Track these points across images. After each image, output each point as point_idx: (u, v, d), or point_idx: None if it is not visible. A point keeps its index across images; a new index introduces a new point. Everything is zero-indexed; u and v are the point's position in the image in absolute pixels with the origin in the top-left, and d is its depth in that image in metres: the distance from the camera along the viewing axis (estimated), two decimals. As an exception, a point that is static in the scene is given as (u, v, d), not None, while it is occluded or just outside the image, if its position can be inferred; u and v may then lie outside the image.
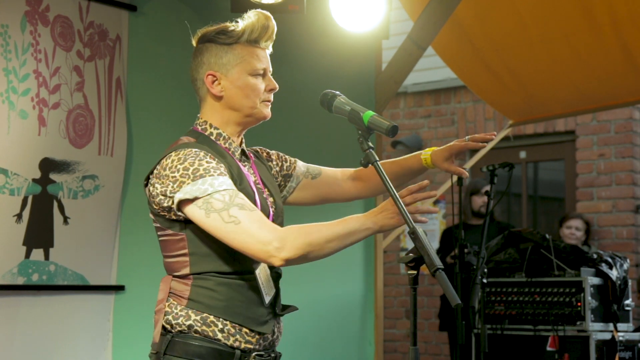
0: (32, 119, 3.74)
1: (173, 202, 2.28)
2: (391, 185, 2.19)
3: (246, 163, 2.51)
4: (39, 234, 3.76)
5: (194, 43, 2.48)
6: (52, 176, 3.81)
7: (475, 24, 5.55)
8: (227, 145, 2.45)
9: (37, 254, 3.76)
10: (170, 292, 2.36)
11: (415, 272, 2.13)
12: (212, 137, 2.44)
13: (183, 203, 2.27)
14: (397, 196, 2.18)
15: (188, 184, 2.26)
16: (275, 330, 2.43)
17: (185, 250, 2.35)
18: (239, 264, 2.34)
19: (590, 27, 5.30)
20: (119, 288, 4.06)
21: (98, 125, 3.99)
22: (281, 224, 2.47)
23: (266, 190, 2.50)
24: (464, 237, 4.74)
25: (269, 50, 2.50)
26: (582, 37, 5.38)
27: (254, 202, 2.36)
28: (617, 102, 6.03)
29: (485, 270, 4.55)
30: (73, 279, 3.88)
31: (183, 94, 4.38)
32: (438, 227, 8.26)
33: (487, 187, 6.51)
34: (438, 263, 2.08)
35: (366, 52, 5.27)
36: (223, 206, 2.24)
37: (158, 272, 4.22)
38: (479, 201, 6.60)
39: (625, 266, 5.08)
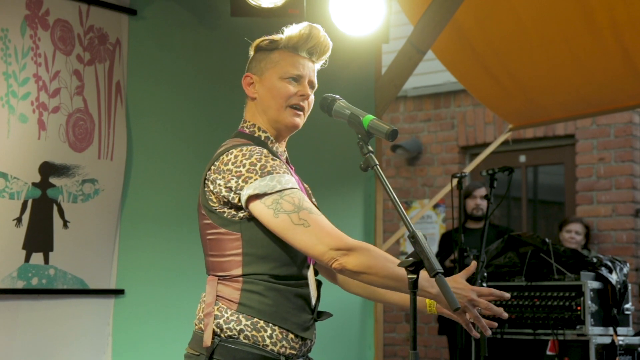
0: (32, 123, 3.74)
1: (240, 198, 2.29)
2: (392, 191, 2.19)
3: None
4: (38, 238, 3.76)
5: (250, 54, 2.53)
6: (52, 180, 3.81)
7: (475, 28, 5.55)
8: (275, 149, 2.45)
9: (37, 257, 3.75)
10: (218, 296, 2.35)
11: (415, 276, 2.13)
12: (262, 139, 2.45)
13: (251, 199, 2.28)
14: (398, 202, 2.18)
15: (256, 179, 2.27)
16: (314, 336, 2.44)
17: (240, 250, 2.34)
18: (290, 267, 2.35)
19: (590, 31, 5.30)
20: (119, 292, 4.05)
21: (98, 129, 3.99)
22: None
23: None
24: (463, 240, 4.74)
25: (317, 64, 2.52)
26: (582, 41, 5.38)
27: None
28: (617, 106, 6.02)
29: (485, 274, 4.54)
30: (73, 283, 3.88)
31: (183, 98, 4.39)
32: (438, 230, 8.26)
33: (480, 189, 6.52)
34: (438, 267, 2.09)
35: (366, 56, 5.27)
36: (293, 208, 2.26)
37: (157, 275, 4.26)
38: (471, 203, 6.58)
39: (625, 270, 5.07)
